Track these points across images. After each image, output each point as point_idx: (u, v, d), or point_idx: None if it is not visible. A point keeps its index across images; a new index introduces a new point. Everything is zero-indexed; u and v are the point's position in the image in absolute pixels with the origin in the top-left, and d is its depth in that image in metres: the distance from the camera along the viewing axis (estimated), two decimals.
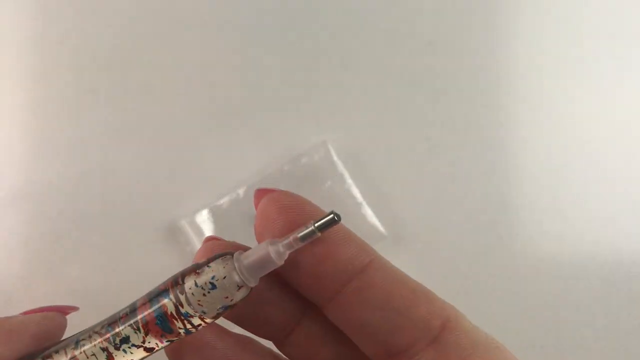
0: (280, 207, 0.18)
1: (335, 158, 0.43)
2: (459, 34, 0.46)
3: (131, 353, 0.18)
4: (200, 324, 0.18)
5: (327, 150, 0.43)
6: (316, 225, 0.17)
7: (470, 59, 0.46)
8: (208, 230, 0.42)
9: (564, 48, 0.46)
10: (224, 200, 0.43)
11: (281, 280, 0.19)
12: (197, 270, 0.17)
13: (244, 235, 0.42)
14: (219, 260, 0.17)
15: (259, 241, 0.19)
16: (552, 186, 0.45)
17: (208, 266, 0.17)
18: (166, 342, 0.18)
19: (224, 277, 0.17)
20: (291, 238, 0.17)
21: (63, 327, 0.22)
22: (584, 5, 0.47)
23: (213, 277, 0.17)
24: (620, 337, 0.43)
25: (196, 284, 0.17)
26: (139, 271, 0.42)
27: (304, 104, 0.45)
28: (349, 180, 0.43)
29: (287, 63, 0.45)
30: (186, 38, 0.45)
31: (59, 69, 0.44)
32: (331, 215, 0.17)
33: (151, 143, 0.44)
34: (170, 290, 0.17)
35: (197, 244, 0.41)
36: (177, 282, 0.18)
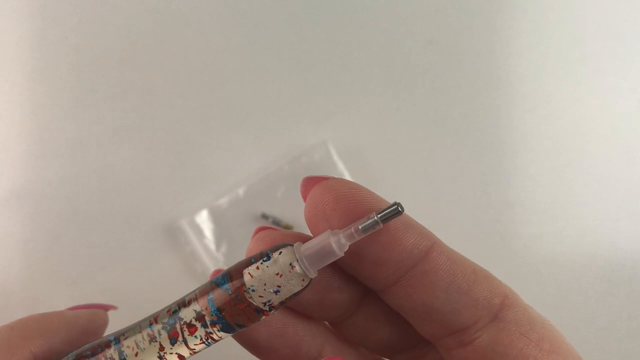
0: (337, 196, 0.18)
1: (335, 158, 0.43)
2: (459, 34, 0.46)
3: (182, 346, 0.17)
4: (263, 314, 0.17)
5: (327, 150, 0.43)
6: (379, 216, 0.17)
7: (470, 59, 0.46)
8: (208, 230, 0.42)
9: (564, 48, 0.46)
10: (224, 200, 0.42)
11: (342, 267, 0.19)
12: (258, 260, 0.17)
13: (244, 235, 0.42)
14: (280, 251, 0.17)
15: (312, 231, 0.18)
16: (552, 186, 0.45)
17: (268, 257, 0.17)
18: (223, 333, 0.17)
19: (285, 267, 0.17)
20: (352, 229, 0.17)
21: (106, 323, 0.22)
22: (585, 5, 0.47)
23: (275, 268, 0.17)
24: (620, 337, 0.43)
25: (257, 273, 0.17)
26: (139, 271, 0.42)
27: (304, 104, 0.45)
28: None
29: (287, 63, 0.45)
30: (186, 38, 0.45)
31: (59, 68, 0.44)
32: (395, 206, 0.17)
33: (151, 143, 0.44)
34: (229, 280, 0.17)
35: (197, 244, 0.41)
36: (236, 272, 0.17)
